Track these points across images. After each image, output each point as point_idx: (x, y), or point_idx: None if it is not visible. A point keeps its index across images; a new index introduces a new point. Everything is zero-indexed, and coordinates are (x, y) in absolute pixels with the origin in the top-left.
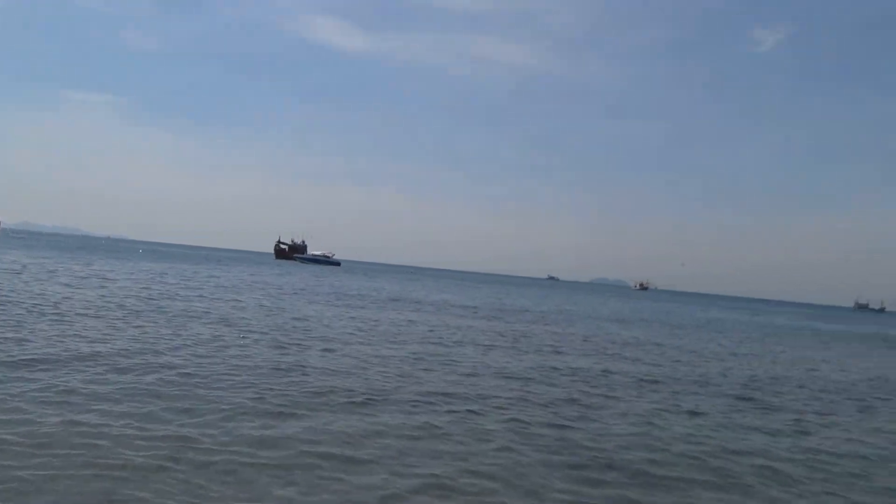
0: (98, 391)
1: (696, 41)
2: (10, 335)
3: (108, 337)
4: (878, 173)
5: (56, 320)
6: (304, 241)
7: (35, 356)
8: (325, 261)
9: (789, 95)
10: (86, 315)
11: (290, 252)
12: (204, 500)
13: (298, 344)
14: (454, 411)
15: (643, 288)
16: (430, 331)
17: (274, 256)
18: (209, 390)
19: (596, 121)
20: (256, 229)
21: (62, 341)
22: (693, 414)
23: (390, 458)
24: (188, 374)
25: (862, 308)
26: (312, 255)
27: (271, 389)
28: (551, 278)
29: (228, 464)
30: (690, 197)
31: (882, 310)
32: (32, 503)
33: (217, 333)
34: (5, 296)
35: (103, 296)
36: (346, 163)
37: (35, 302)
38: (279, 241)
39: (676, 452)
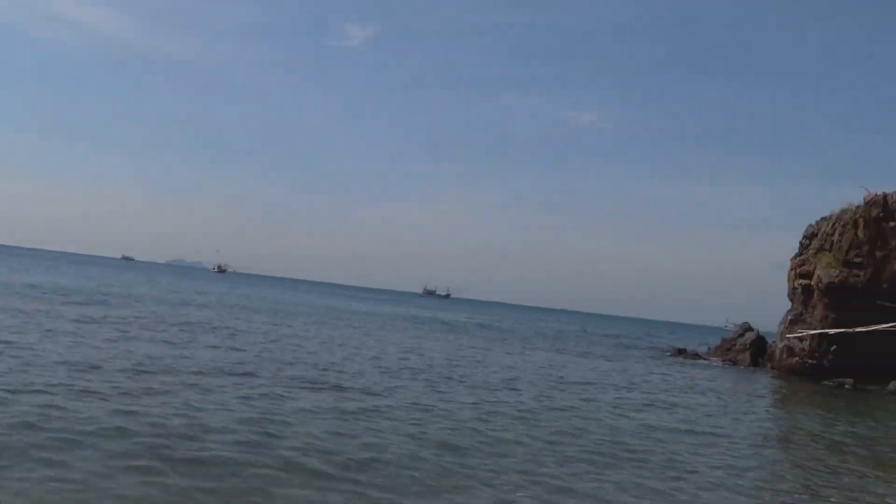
0: None
1: (293, 28)
2: None
3: None
4: (460, 169)
5: None
6: None
7: None
8: None
9: (376, 91)
10: None
11: None
12: None
13: None
14: None
15: (221, 271)
16: None
17: None
18: None
19: (185, 98)
20: None
21: None
22: (252, 397)
23: None
24: None
25: (430, 294)
26: None
27: None
28: (126, 258)
29: None
30: (278, 182)
31: (447, 296)
32: None
33: None
34: None
35: None
36: None
37: None
38: None
39: (233, 439)
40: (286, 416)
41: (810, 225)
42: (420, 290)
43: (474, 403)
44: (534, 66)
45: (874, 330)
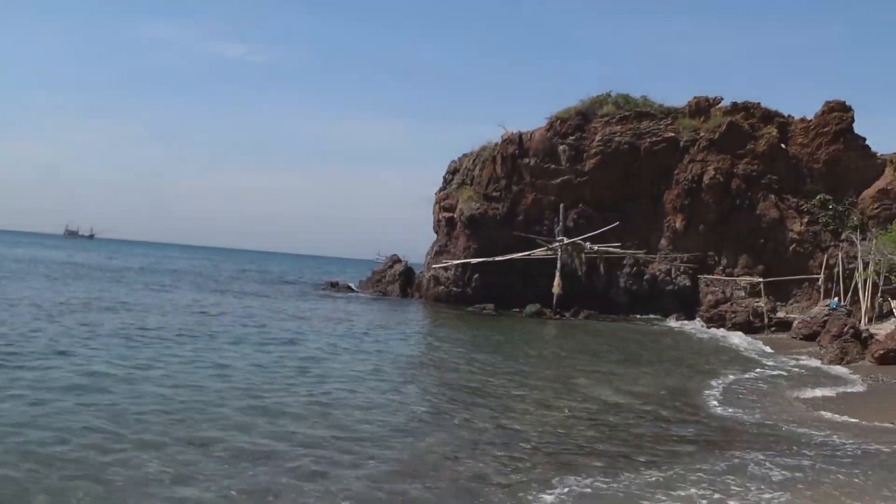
0: None
1: None
2: None
3: None
4: (98, 100)
5: None
6: None
7: None
8: None
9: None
10: None
11: None
12: None
13: None
14: None
15: None
16: None
17: None
18: None
19: None
20: None
21: None
22: None
23: None
24: None
25: (72, 235)
26: None
27: None
28: None
29: None
30: None
31: (91, 236)
32: None
33: None
34: None
35: None
36: None
37: None
38: None
39: None
40: None
41: (453, 161)
42: (61, 232)
43: (107, 349)
44: None
45: (511, 259)
